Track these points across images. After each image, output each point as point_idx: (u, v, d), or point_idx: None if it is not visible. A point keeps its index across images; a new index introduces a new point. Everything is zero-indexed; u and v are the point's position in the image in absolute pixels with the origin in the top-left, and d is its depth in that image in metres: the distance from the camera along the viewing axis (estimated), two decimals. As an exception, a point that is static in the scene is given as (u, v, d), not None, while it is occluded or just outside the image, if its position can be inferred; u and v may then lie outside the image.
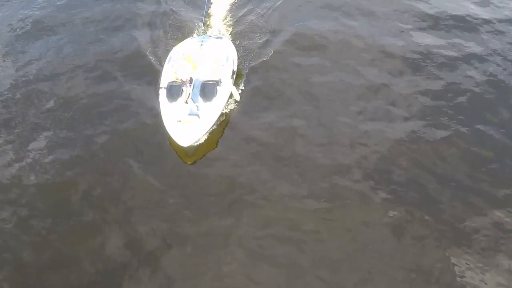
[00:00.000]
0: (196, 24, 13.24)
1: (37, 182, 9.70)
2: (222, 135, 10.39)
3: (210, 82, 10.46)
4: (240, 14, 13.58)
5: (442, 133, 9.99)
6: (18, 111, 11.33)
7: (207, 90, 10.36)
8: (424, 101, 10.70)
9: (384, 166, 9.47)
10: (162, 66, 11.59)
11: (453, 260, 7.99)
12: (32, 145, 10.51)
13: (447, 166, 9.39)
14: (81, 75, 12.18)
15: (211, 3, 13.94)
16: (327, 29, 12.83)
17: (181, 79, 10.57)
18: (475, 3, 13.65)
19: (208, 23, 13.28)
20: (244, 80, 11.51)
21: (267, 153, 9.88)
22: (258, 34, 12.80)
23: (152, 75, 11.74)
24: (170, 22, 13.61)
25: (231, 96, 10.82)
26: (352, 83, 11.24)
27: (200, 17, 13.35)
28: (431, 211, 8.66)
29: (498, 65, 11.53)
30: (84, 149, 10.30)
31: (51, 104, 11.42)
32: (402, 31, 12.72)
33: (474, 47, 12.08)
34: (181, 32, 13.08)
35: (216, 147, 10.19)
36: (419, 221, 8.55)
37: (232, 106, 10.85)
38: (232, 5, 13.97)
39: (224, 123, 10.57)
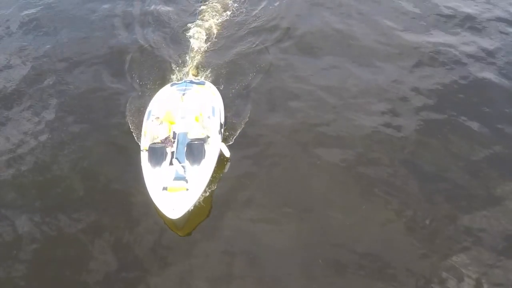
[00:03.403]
0: (178, 67, 12.30)
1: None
2: (214, 197, 9.44)
3: (196, 142, 9.49)
4: (224, 55, 12.61)
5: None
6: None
7: (195, 151, 9.39)
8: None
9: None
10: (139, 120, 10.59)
11: None
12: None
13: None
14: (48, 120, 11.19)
15: (193, 43, 13.03)
16: (325, 79, 11.84)
17: (161, 140, 9.61)
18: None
19: (191, 65, 12.32)
20: (232, 132, 10.54)
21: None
22: (246, 77, 11.85)
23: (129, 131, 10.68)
24: (149, 63, 12.56)
25: (220, 153, 9.87)
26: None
27: (183, 56, 12.50)
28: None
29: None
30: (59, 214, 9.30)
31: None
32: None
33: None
34: (161, 74, 12.08)
35: (209, 214, 9.22)
36: None
37: (221, 165, 9.88)
38: (215, 44, 13.02)
39: (217, 182, 9.61)
